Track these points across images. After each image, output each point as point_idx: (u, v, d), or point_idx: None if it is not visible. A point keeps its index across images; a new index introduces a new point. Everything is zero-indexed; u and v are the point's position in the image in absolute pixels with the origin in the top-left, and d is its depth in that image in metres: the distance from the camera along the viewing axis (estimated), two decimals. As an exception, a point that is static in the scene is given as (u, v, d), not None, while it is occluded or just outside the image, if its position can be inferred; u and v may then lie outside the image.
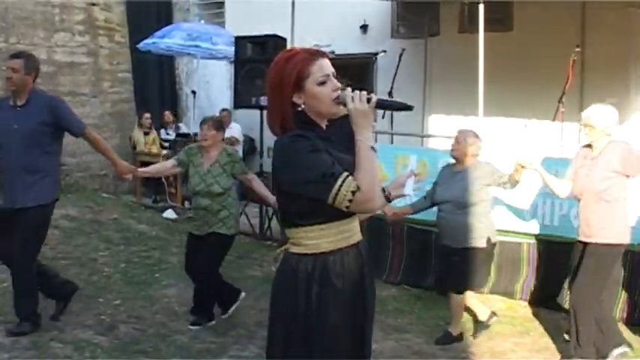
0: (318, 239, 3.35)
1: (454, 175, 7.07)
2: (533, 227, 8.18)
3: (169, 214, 12.77)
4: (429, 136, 12.26)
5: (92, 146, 7.05)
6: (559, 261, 7.79)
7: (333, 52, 14.29)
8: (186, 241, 7.46)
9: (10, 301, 6.79)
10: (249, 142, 14.93)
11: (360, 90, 3.26)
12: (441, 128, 9.70)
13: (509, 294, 8.23)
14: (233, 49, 11.55)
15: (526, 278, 8.11)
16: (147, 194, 14.01)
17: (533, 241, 8.14)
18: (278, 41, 10.70)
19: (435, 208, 7.23)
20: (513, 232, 8.40)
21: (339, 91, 3.30)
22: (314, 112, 3.36)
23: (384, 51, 12.90)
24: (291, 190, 3.29)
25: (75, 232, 10.71)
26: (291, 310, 3.36)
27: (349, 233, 3.41)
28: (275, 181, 3.41)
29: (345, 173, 3.17)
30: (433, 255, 8.55)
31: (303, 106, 3.34)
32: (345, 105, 3.27)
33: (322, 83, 3.30)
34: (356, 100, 3.23)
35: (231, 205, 7.24)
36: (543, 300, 8.02)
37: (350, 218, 3.39)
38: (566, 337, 6.60)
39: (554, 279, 7.91)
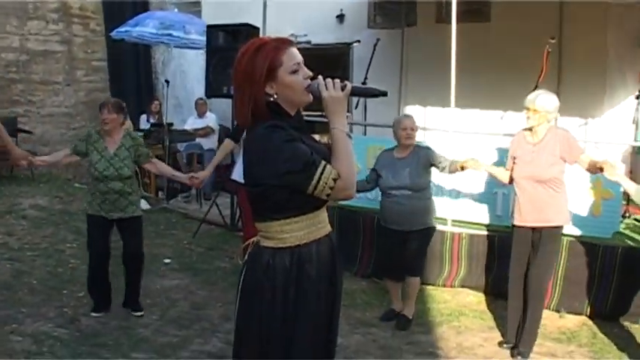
0: (293, 232, 3.32)
1: (399, 161, 7.22)
2: (503, 220, 8.11)
3: (142, 204, 12.60)
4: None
5: None
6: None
7: (309, 42, 14.19)
8: (88, 225, 7.33)
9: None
10: (224, 131, 14.79)
11: (333, 78, 3.28)
12: (417, 119, 9.57)
13: (479, 287, 8.14)
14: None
15: (496, 272, 8.01)
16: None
17: (504, 234, 8.04)
18: (251, 30, 10.55)
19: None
20: (483, 225, 8.35)
21: (310, 80, 3.31)
22: (286, 102, 3.33)
23: (358, 41, 12.76)
24: (269, 182, 3.22)
25: (43, 223, 10.59)
26: (266, 307, 3.32)
27: (322, 224, 3.41)
28: (249, 176, 3.35)
29: (324, 162, 3.18)
30: (376, 243, 8.39)
31: (275, 96, 3.31)
32: (315, 93, 3.29)
33: (294, 72, 3.30)
34: (330, 88, 3.24)
35: (137, 188, 7.41)
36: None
37: (321, 209, 3.39)
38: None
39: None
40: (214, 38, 10.87)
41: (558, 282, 7.66)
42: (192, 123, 14.18)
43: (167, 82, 14.19)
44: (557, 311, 7.61)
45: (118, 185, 6.99)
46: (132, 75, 16.77)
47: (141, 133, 13.87)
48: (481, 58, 10.68)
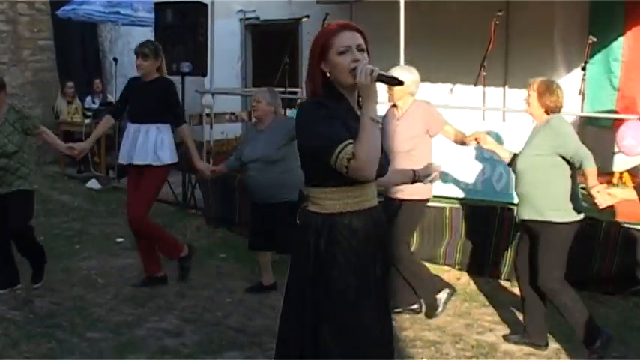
0: (328, 201, 3.55)
1: (258, 134, 7.29)
2: (454, 191, 8.18)
3: (93, 184, 12.58)
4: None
5: None
6: (482, 224, 7.86)
7: (257, 18, 14.17)
8: None
9: None
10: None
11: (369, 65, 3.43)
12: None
13: (432, 259, 8.20)
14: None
15: (449, 243, 8.09)
16: (72, 164, 13.71)
17: (456, 205, 8.12)
18: (199, 7, 10.52)
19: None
20: (436, 197, 8.40)
21: (356, 63, 3.45)
22: (337, 82, 3.55)
23: (307, 16, 12.74)
24: (304, 152, 3.60)
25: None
26: (301, 262, 3.62)
27: (361, 198, 3.57)
28: (298, 144, 3.66)
29: (348, 141, 3.36)
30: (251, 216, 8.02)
31: (328, 74, 3.55)
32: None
33: (342, 53, 3.48)
34: (359, 74, 3.39)
35: (28, 162, 7.27)
36: (466, 264, 8.04)
37: (360, 185, 3.54)
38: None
39: (476, 243, 7.93)
40: (163, 15, 10.79)
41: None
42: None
43: (115, 60, 14.09)
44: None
45: (3, 162, 6.95)
46: (79, 54, 16.57)
47: (90, 113, 13.81)
48: (430, 32, 10.71)
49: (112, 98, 15.13)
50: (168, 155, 7.38)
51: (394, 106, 6.66)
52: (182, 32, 10.46)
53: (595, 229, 7.19)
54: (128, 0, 13.66)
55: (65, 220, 10.21)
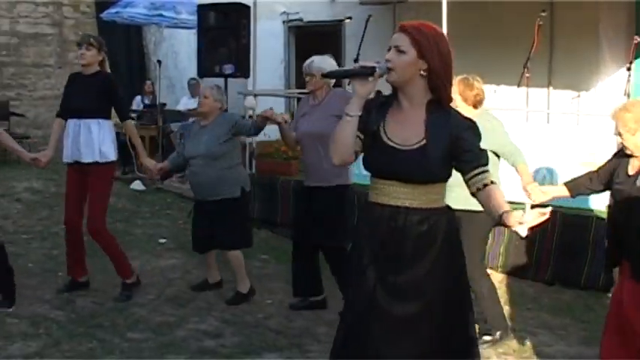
0: (370, 189, 3.72)
1: (201, 129, 7.20)
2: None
3: (137, 185, 12.63)
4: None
5: None
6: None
7: (301, 20, 14.16)
8: None
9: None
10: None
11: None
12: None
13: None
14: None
15: (491, 245, 8.02)
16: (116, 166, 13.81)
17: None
18: (242, 9, 10.55)
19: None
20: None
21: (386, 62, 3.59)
22: None
23: (350, 18, 12.75)
24: None
25: (38, 206, 10.60)
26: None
27: (389, 195, 3.60)
28: None
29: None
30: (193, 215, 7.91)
31: None
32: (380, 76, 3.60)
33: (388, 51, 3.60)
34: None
35: None
36: (509, 267, 7.96)
37: (386, 180, 3.61)
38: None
39: (519, 246, 7.85)
40: (205, 18, 10.83)
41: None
42: (185, 103, 14.14)
43: (159, 62, 14.18)
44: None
45: None
46: (124, 56, 16.71)
47: (134, 114, 13.91)
48: (473, 33, 10.65)
49: (159, 100, 15.24)
50: (112, 152, 7.10)
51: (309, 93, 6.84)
52: (225, 34, 10.48)
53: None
54: (171, 2, 13.75)
55: (109, 221, 10.08)
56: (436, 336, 3.55)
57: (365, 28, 11.18)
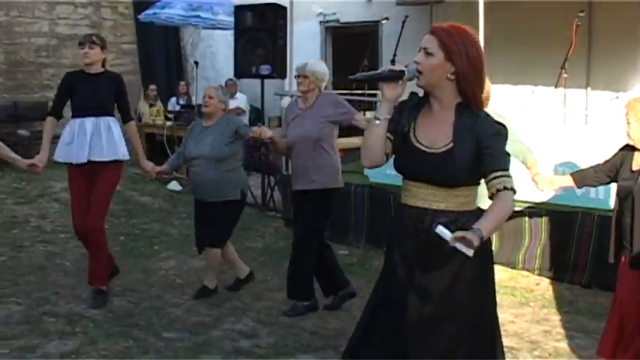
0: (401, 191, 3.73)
1: (204, 130, 7.24)
2: (535, 195, 8.04)
3: (174, 185, 12.68)
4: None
5: None
6: (562, 229, 7.72)
7: (338, 21, 14.16)
8: None
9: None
10: (255, 112, 14.80)
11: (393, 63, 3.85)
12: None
13: (511, 263, 8.10)
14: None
15: (528, 247, 7.97)
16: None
17: (535, 209, 8.00)
18: (278, 10, 10.57)
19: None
20: (516, 202, 8.26)
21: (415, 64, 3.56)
22: None
23: (387, 18, 12.72)
24: None
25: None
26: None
27: (416, 196, 3.61)
28: None
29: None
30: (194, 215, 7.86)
31: None
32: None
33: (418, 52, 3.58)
34: None
35: None
36: (546, 269, 7.90)
37: (413, 182, 3.62)
38: None
39: (556, 248, 7.79)
40: (242, 18, 10.88)
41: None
42: (222, 104, 14.19)
43: (196, 63, 14.23)
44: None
45: None
46: (161, 57, 16.80)
47: (172, 115, 14.00)
48: (510, 33, 10.61)
49: (195, 101, 15.31)
50: (127, 150, 7.10)
51: (299, 96, 7.06)
52: (261, 35, 10.52)
53: None
54: (208, 3, 13.80)
55: (145, 221, 10.33)
56: (461, 337, 3.56)
57: (402, 28, 11.15)
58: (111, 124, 6.92)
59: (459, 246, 3.18)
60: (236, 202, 7.20)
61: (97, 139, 6.81)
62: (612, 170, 5.02)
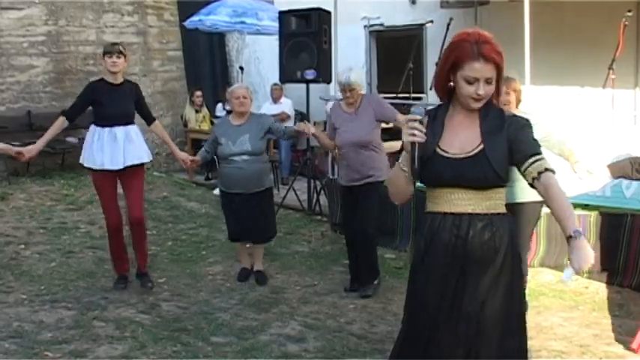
0: (428, 200, 3.71)
1: (238, 127, 7.74)
2: (585, 198, 7.97)
3: (217, 190, 12.74)
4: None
5: None
6: (611, 232, 7.64)
7: (382, 25, 14.15)
8: None
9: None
10: (300, 117, 14.82)
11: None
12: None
13: (559, 267, 8.02)
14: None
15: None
16: (199, 172, 13.95)
17: (584, 212, 7.92)
18: (322, 14, 10.57)
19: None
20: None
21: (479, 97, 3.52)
22: (459, 96, 3.59)
23: (431, 21, 12.69)
24: None
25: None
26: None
27: (446, 203, 3.60)
28: None
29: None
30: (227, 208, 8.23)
31: (452, 84, 3.60)
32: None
33: (469, 83, 3.49)
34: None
35: None
36: (595, 272, 7.81)
37: (444, 188, 3.59)
38: None
39: (605, 251, 7.70)
40: (287, 24, 10.89)
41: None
42: (267, 109, 14.18)
43: (241, 68, 14.31)
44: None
45: None
46: (207, 63, 16.88)
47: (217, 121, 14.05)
48: (555, 34, 10.52)
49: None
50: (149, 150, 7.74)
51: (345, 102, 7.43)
52: (306, 40, 10.52)
53: None
54: (253, 9, 13.83)
55: (192, 227, 10.41)
56: (490, 343, 3.54)
57: (447, 31, 11.12)
58: (137, 130, 7.46)
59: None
60: (271, 188, 8.05)
61: (128, 144, 7.30)
62: None
